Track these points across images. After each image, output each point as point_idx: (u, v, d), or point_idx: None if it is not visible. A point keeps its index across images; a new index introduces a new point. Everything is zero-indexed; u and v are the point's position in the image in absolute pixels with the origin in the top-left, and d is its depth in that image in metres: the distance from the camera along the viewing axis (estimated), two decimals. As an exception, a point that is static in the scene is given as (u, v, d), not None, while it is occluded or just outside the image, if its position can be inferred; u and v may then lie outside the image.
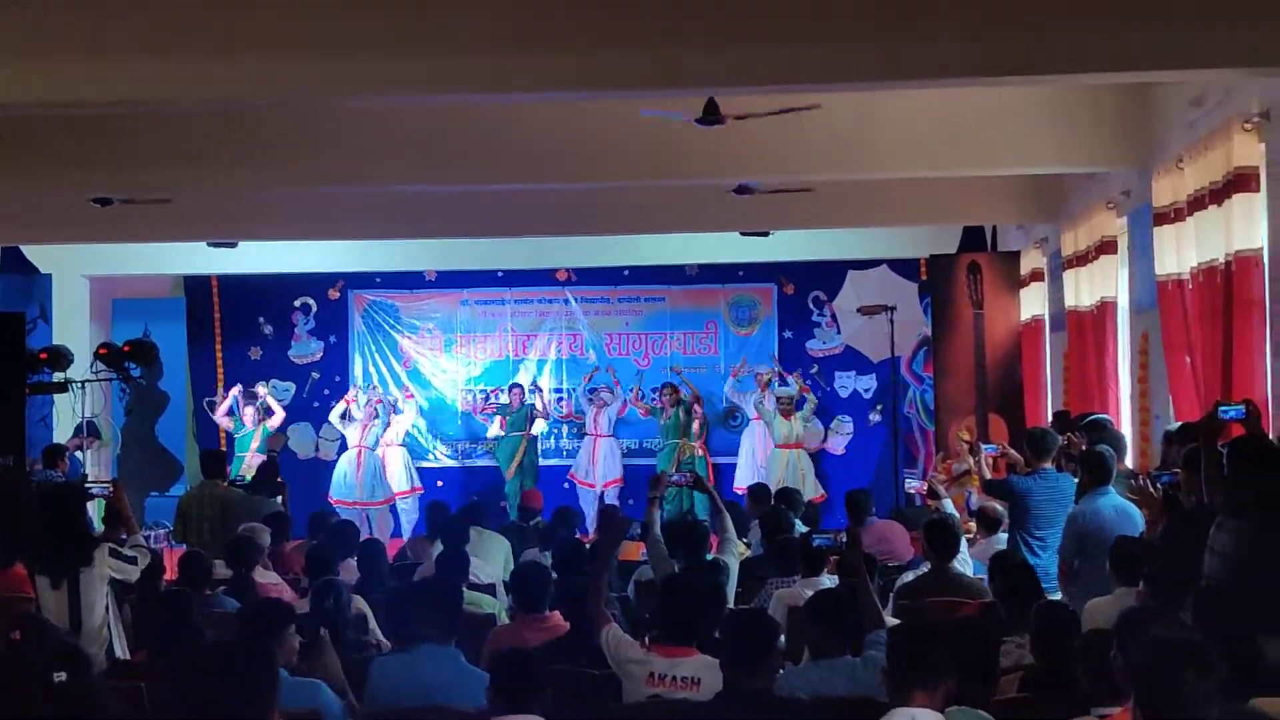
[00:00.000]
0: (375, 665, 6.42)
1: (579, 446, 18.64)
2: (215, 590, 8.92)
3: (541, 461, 18.32)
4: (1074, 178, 13.08)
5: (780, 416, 17.38)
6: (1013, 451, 10.97)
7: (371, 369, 19.18)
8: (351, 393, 18.18)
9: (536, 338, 19.23)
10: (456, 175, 12.08)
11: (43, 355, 14.48)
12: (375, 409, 17.82)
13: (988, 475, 10.20)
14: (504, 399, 18.47)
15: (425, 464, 19.00)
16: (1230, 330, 8.75)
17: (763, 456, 17.58)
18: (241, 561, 9.20)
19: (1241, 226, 8.66)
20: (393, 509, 17.88)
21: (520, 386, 18.39)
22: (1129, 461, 10.71)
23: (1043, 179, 13.56)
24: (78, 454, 15.09)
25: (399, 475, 17.97)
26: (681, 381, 18.14)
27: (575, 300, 19.20)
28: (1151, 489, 8.19)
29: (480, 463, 19.05)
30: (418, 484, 18.22)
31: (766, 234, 15.75)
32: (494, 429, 18.53)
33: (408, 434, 18.53)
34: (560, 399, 19.06)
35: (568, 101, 11.03)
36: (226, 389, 18.71)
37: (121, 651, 7.62)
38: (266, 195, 14.00)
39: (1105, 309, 12.03)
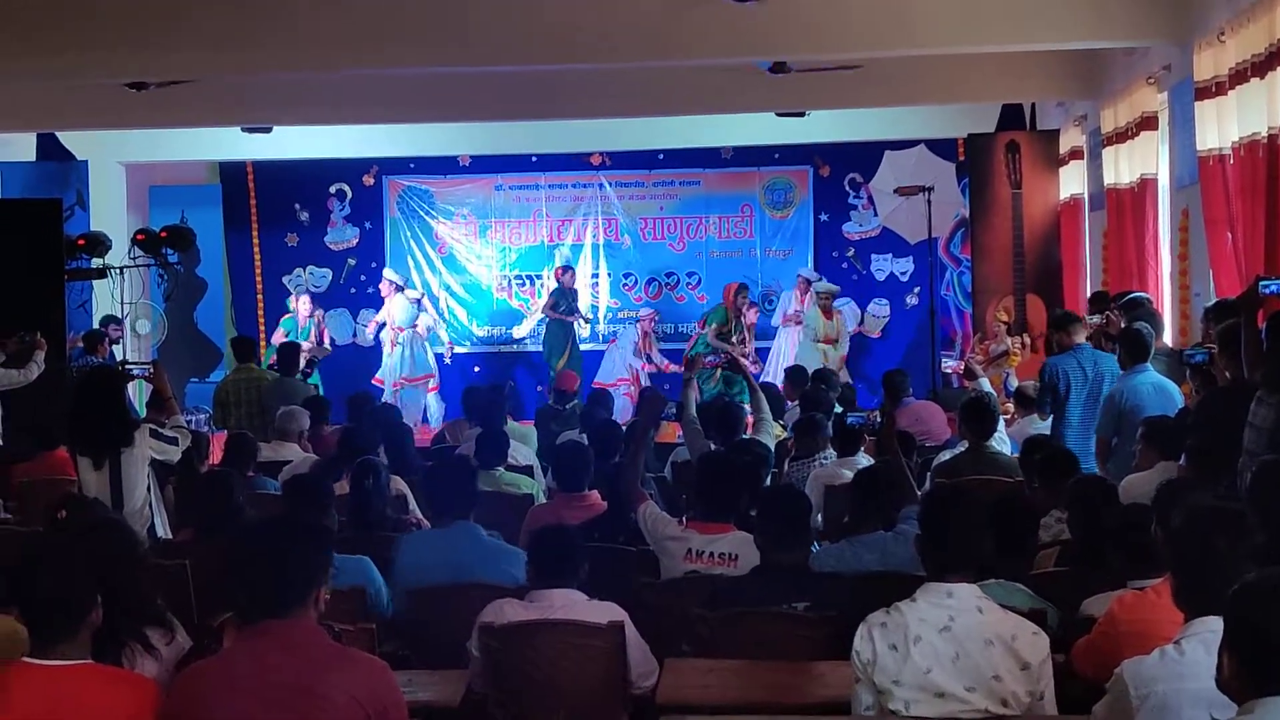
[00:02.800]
0: (398, 544, 6.48)
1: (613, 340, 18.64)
2: (260, 473, 9.02)
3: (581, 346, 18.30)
4: (1113, 53, 12.89)
5: (822, 315, 17.22)
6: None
7: (407, 255, 19.16)
8: (385, 288, 18.14)
9: (571, 222, 19.15)
10: (489, 56, 11.98)
11: (80, 241, 14.58)
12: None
13: None
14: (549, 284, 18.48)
15: (460, 349, 19.05)
16: (1273, 205, 8.65)
17: (793, 354, 17.45)
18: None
19: (1285, 99, 8.53)
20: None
21: (571, 269, 18.33)
22: (1168, 339, 10.67)
23: (1082, 55, 13.36)
24: (114, 347, 15.17)
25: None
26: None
27: (610, 184, 19.10)
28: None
29: (514, 348, 19.08)
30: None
31: (802, 114, 15.58)
32: (533, 317, 18.61)
33: (442, 321, 18.67)
34: (596, 284, 19.02)
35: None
36: (265, 277, 18.80)
37: (163, 531, 7.73)
38: (300, 79, 13.95)
39: (1145, 186, 11.91)
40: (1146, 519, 5.05)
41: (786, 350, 17.58)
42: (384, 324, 18.01)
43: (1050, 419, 9.61)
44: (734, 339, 16.69)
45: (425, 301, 18.49)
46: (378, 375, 17.82)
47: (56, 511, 5.60)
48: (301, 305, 17.66)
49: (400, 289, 18.05)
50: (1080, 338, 9.50)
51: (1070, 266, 14.65)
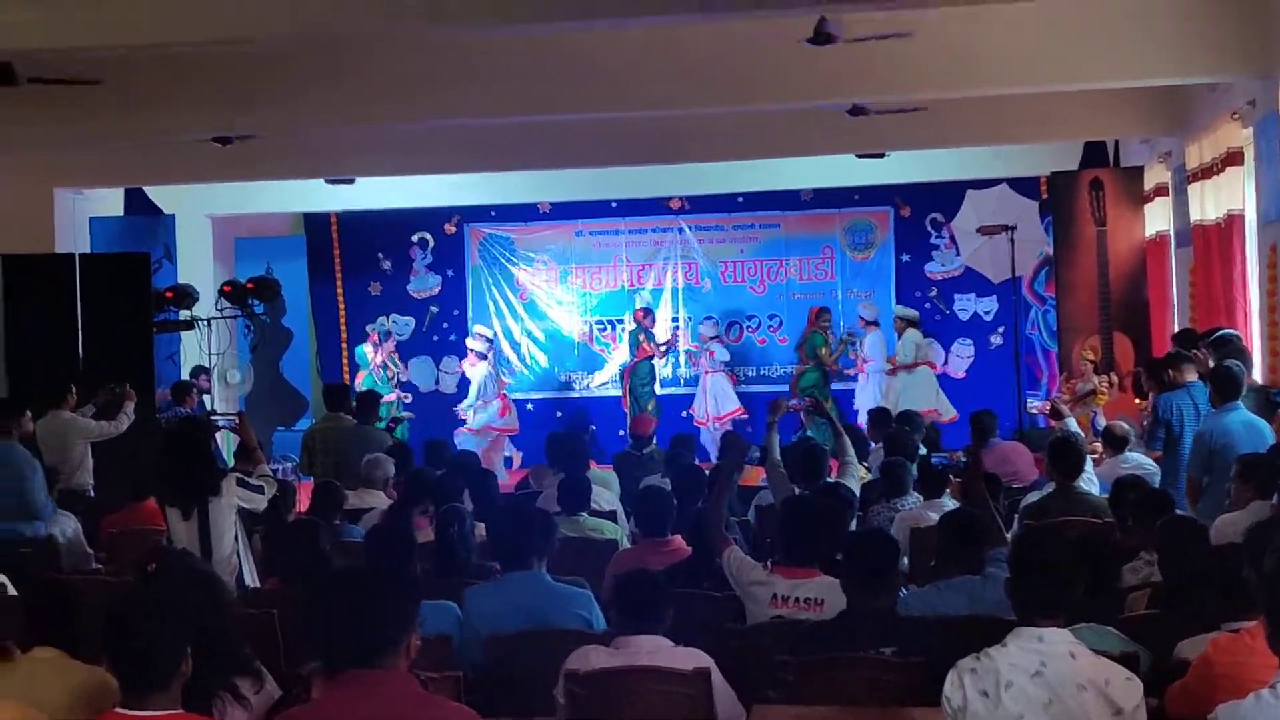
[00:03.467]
0: (469, 594, 6.48)
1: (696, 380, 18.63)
2: (346, 521, 9.08)
3: (659, 390, 18.32)
4: (1197, 88, 12.79)
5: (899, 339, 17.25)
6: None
7: (488, 301, 19.29)
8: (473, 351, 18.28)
9: (652, 267, 19.19)
10: (567, 104, 12.08)
11: (168, 294, 14.80)
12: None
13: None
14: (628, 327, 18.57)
15: (542, 395, 19.12)
16: (1362, 240, 8.53)
17: (883, 390, 17.41)
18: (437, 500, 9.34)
19: (1373, 132, 8.42)
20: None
21: (652, 312, 18.38)
22: (1257, 376, 10.53)
23: (1164, 91, 13.26)
24: (204, 397, 15.37)
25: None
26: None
27: (690, 229, 19.12)
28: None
29: (598, 393, 19.12)
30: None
31: (882, 155, 15.56)
32: (611, 364, 18.70)
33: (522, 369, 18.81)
34: (676, 328, 19.05)
35: (678, 26, 10.98)
36: (349, 326, 18.98)
37: (251, 580, 7.77)
38: (382, 130, 14.10)
39: (1232, 222, 11.77)
40: (1239, 559, 4.96)
41: (873, 389, 17.50)
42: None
43: (1142, 455, 9.52)
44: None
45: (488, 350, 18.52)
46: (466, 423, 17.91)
47: (146, 563, 5.64)
48: (377, 357, 17.83)
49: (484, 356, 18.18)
50: (1192, 375, 9.41)
51: (1157, 304, 14.51)
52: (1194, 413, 9.20)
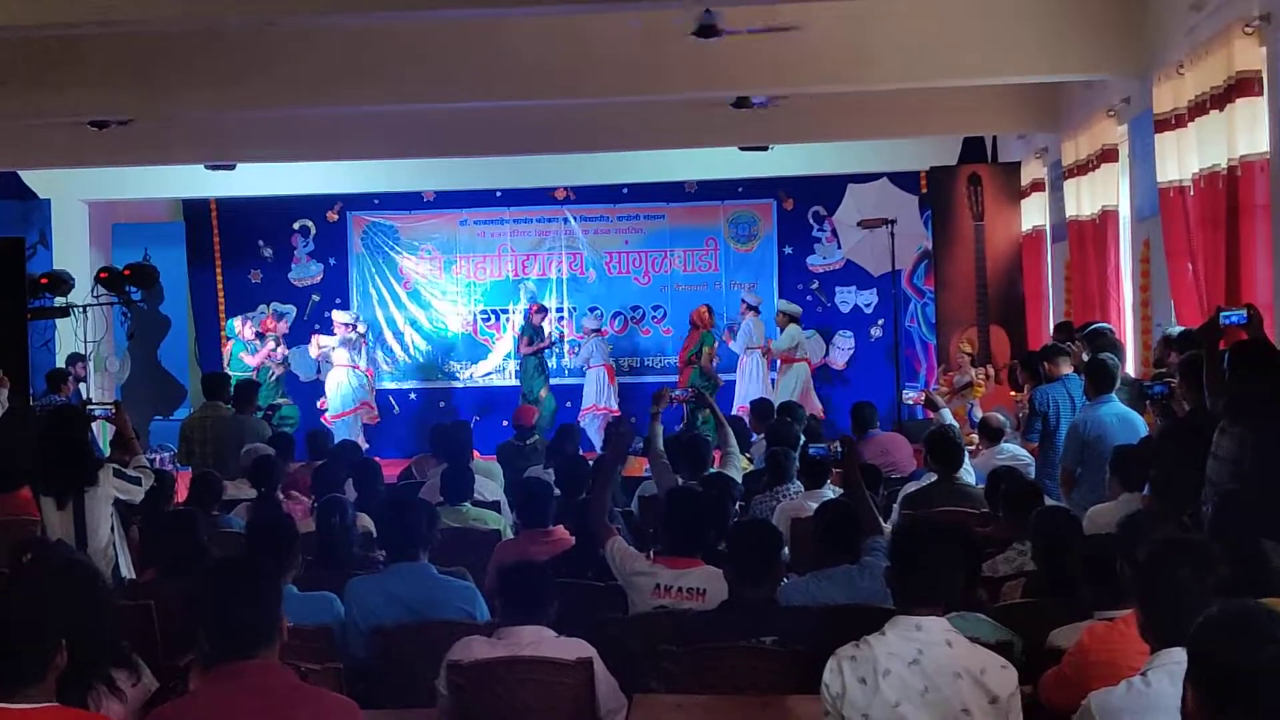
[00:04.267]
0: (351, 585, 6.44)
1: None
2: (225, 511, 8.99)
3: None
4: (1073, 86, 13.01)
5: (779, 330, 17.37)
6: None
7: (371, 290, 19.17)
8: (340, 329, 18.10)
9: (537, 257, 19.17)
10: (451, 93, 12.02)
11: (43, 280, 14.53)
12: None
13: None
14: (516, 319, 18.54)
15: (426, 385, 19.05)
16: (1234, 236, 8.72)
17: (759, 379, 17.50)
18: (265, 482, 9.28)
19: (1244, 132, 8.60)
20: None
21: (545, 309, 18.36)
22: (1130, 369, 10.74)
23: (1042, 88, 13.47)
24: (80, 385, 15.11)
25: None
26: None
27: (575, 219, 19.13)
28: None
29: (481, 383, 19.08)
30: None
31: (766, 149, 15.67)
32: (495, 354, 18.70)
33: (405, 358, 18.73)
34: (561, 319, 19.04)
35: (562, 16, 10.98)
36: (229, 313, 18.74)
37: (127, 571, 7.68)
38: (263, 116, 13.94)
39: (1107, 218, 11.99)
40: (1111, 550, 5.06)
41: (753, 377, 17.58)
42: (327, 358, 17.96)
43: (1015, 446, 9.68)
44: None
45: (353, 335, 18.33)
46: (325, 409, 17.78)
47: (20, 553, 5.56)
48: (247, 329, 17.64)
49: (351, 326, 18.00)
50: (1067, 368, 9.57)
51: (1033, 298, 14.74)
52: (1069, 405, 9.37)
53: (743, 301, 17.93)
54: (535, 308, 18.23)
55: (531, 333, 17.89)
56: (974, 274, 14.90)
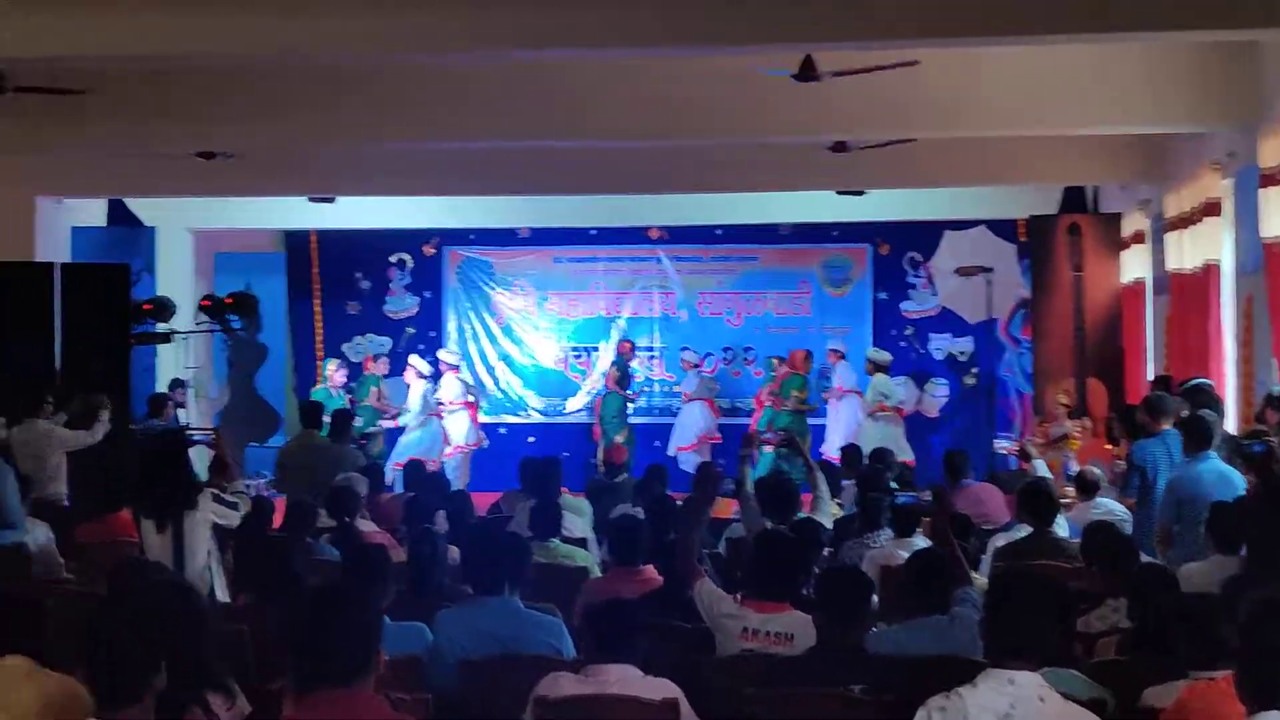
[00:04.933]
0: (441, 617, 6.48)
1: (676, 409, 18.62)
2: (318, 538, 9.06)
3: (632, 419, 18.30)
4: (1178, 138, 12.89)
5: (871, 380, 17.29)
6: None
7: (465, 325, 19.30)
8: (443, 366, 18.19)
9: (629, 296, 19.23)
10: (552, 131, 12.12)
11: (146, 306, 14.78)
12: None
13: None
14: (603, 359, 18.60)
15: (516, 419, 19.14)
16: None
17: (852, 425, 17.43)
18: (344, 510, 9.34)
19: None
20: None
21: (632, 342, 18.43)
22: (1230, 427, 10.59)
23: (1146, 139, 13.37)
24: (179, 411, 15.32)
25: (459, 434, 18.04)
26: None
27: (668, 259, 19.17)
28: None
29: (570, 419, 19.14)
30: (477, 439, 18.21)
31: (862, 193, 15.65)
32: (585, 391, 18.77)
33: (497, 393, 18.79)
34: (652, 357, 19.07)
35: (664, 57, 11.04)
36: (326, 344, 18.91)
37: (222, 595, 7.76)
38: (365, 151, 14.15)
39: (1209, 272, 11.85)
40: (1213, 609, 4.99)
41: (845, 423, 17.51)
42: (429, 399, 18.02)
43: (1109, 501, 9.57)
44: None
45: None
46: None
47: (121, 574, 5.64)
48: (337, 375, 17.71)
49: (455, 368, 18.12)
50: (1168, 424, 9.43)
51: (1132, 351, 14.59)
52: (1168, 460, 9.24)
53: (831, 350, 17.86)
54: (627, 345, 18.29)
55: (622, 369, 17.95)
56: (1072, 325, 14.78)
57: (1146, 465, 9.30)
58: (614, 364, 18.24)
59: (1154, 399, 9.85)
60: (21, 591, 5.60)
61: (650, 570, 7.65)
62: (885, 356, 17.49)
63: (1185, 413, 9.26)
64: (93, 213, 16.33)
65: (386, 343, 19.24)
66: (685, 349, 18.66)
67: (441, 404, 17.81)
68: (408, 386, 17.96)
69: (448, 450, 17.68)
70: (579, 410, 19.13)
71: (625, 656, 5.54)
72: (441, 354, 18.43)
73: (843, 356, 17.71)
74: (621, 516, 8.69)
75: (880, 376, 17.13)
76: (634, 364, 18.29)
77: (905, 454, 16.31)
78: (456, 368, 18.18)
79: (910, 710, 4.52)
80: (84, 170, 14.69)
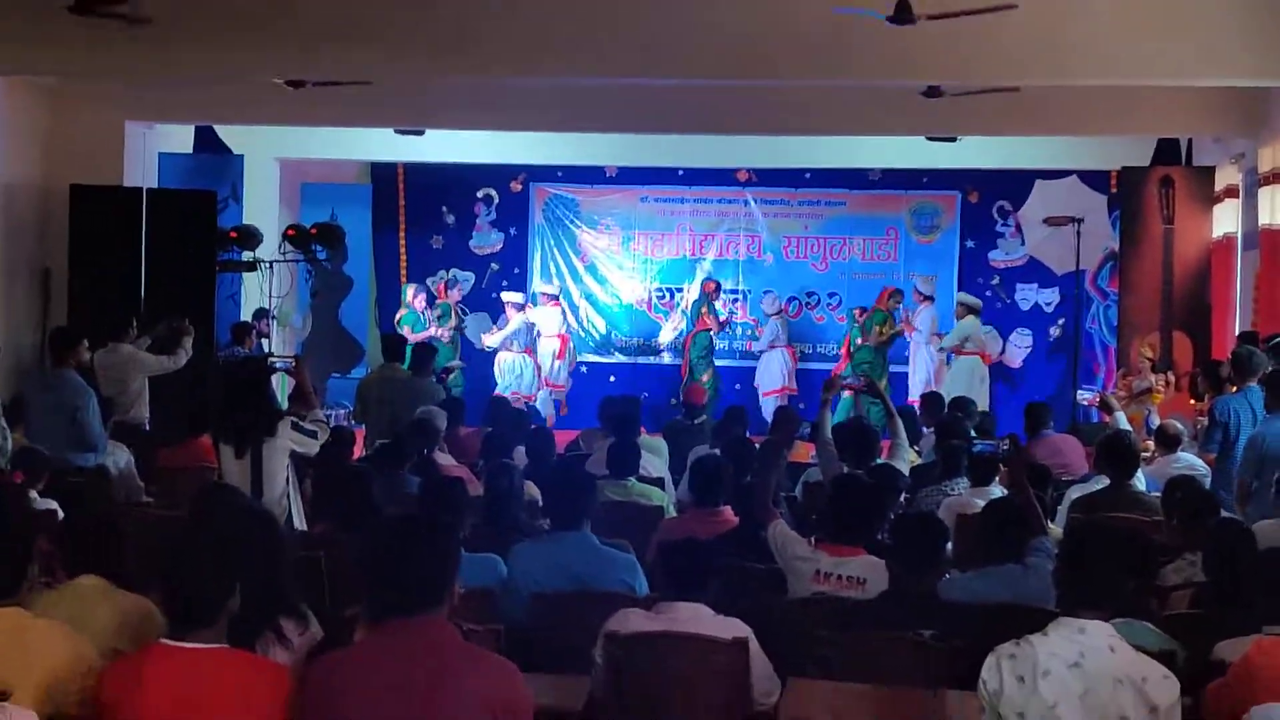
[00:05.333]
0: (516, 550, 6.53)
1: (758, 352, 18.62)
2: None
3: (718, 362, 18.33)
4: (1274, 92, 12.66)
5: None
6: None
7: (550, 262, 19.33)
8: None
9: (715, 237, 19.18)
10: (644, 67, 12.03)
11: (233, 234, 14.89)
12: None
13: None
14: (690, 297, 18.64)
15: (598, 359, 19.18)
16: None
17: (931, 369, 17.35)
18: (422, 443, 9.42)
19: None
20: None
21: (719, 284, 18.46)
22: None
23: (1242, 92, 13.13)
24: (262, 340, 15.46)
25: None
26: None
27: (755, 201, 19.09)
28: None
29: (651, 359, 19.16)
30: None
31: (954, 139, 15.49)
32: (668, 331, 18.77)
33: (581, 330, 18.87)
34: (736, 300, 19.04)
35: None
36: (410, 277, 18.99)
37: (300, 523, 7.85)
38: (454, 84, 14.13)
39: (1301, 228, 11.68)
40: (1288, 565, 4.95)
41: (925, 369, 17.43)
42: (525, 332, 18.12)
43: (1191, 455, 9.48)
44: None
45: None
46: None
47: (201, 498, 5.72)
48: (417, 300, 17.87)
49: (555, 299, 18.25)
50: (1253, 380, 9.31)
51: (1220, 306, 14.39)
52: (1251, 417, 9.14)
53: (916, 291, 17.75)
54: (711, 285, 18.28)
55: (708, 308, 17.97)
56: (1160, 278, 14.59)
57: (1229, 421, 9.21)
58: (695, 304, 18.23)
59: (1241, 354, 9.72)
60: (100, 513, 5.67)
61: (727, 511, 7.68)
62: (976, 301, 17.35)
63: (1270, 369, 9.14)
64: (181, 139, 16.44)
65: (470, 277, 19.31)
66: (767, 292, 18.60)
67: (540, 335, 17.94)
68: (507, 321, 18.10)
69: (537, 385, 17.81)
70: (662, 351, 19.12)
71: (697, 595, 5.58)
72: (541, 285, 18.52)
73: (930, 299, 17.59)
74: (705, 456, 8.69)
75: (970, 319, 17.00)
76: (718, 304, 18.25)
77: (982, 399, 16.22)
78: (556, 298, 18.30)
79: (980, 657, 4.52)
80: (173, 96, 14.75)
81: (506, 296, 18.32)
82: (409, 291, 18.25)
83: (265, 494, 7.55)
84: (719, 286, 18.43)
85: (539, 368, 17.96)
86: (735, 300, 19.03)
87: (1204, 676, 4.98)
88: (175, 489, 9.08)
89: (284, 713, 3.94)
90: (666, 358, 18.99)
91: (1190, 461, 9.72)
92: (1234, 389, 9.53)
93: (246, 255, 15.22)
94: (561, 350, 18.18)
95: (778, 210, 19.12)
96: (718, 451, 9.50)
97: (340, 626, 4.86)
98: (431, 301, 18.21)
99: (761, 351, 18.45)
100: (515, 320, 18.01)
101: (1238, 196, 14.23)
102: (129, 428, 11.28)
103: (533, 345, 18.07)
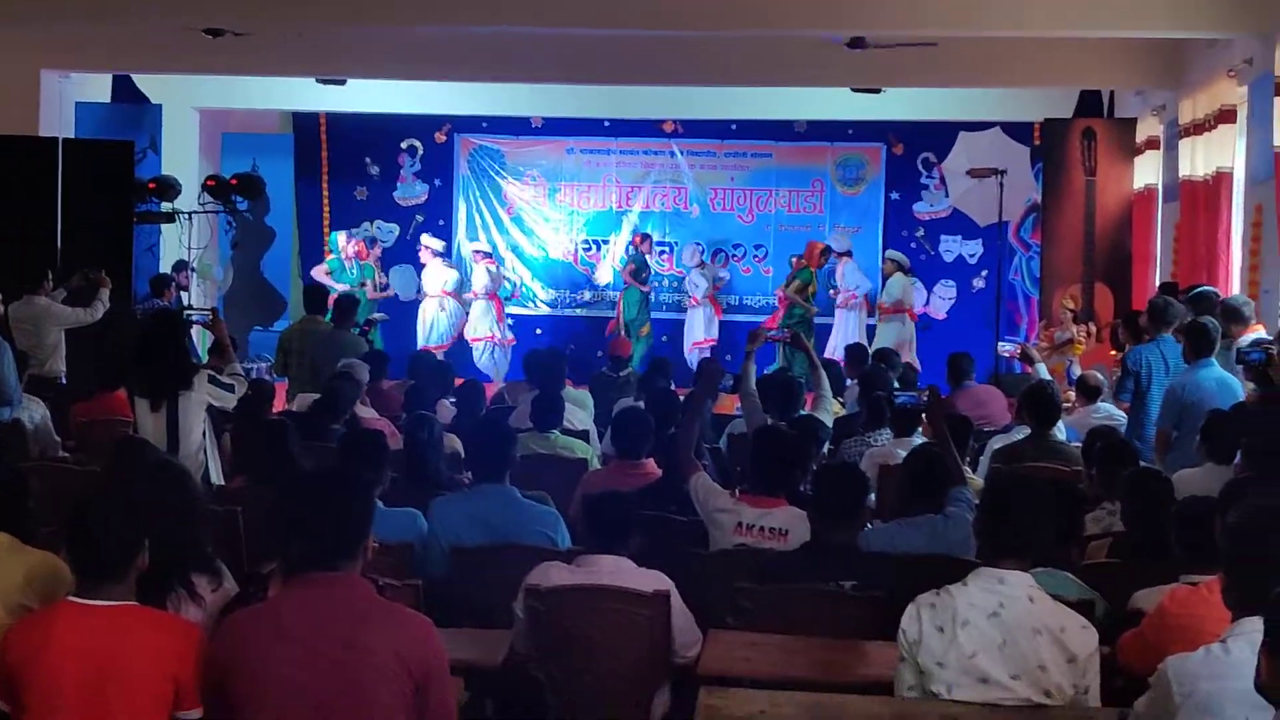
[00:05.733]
0: (435, 504, 6.49)
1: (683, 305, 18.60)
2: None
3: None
4: (1195, 44, 12.73)
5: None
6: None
7: (475, 214, 19.20)
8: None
9: (641, 189, 19.11)
10: (567, 18, 11.97)
11: (151, 185, 14.69)
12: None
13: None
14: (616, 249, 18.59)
15: (524, 310, 19.09)
16: (1350, 205, 8.52)
17: (856, 329, 17.45)
18: (343, 396, 9.32)
19: (1369, 98, 8.39)
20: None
21: (649, 236, 18.41)
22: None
23: (1163, 44, 13.21)
24: (182, 293, 15.27)
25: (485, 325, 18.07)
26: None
27: (681, 153, 19.03)
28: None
29: (578, 312, 19.10)
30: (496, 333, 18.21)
31: (878, 91, 15.49)
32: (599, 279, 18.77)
33: (507, 281, 18.73)
34: (663, 253, 18.99)
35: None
36: (333, 229, 18.81)
37: (217, 477, 7.76)
38: (376, 33, 13.97)
39: (1220, 180, 11.75)
40: (1207, 513, 4.97)
41: (850, 330, 17.49)
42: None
43: (1111, 406, 9.54)
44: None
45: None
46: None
47: (113, 453, 5.63)
48: (349, 247, 17.71)
49: (488, 256, 18.18)
50: (1167, 330, 9.37)
51: (1140, 257, 14.51)
52: (1163, 366, 9.19)
53: (830, 248, 17.77)
54: (639, 238, 18.23)
55: (639, 263, 17.92)
56: (1082, 230, 14.68)
57: (1141, 371, 9.26)
58: (630, 257, 18.19)
59: (1157, 304, 9.77)
60: (9, 468, 5.56)
61: (652, 464, 7.65)
62: (904, 258, 17.43)
63: (1189, 320, 9.20)
64: (98, 88, 16.18)
65: (394, 230, 19.16)
66: (697, 244, 18.59)
67: (474, 294, 17.84)
68: (423, 266, 17.96)
69: (473, 338, 17.69)
70: (588, 303, 19.06)
71: (619, 548, 5.55)
72: (475, 245, 18.41)
73: (847, 255, 17.64)
74: (628, 409, 8.65)
75: (898, 276, 17.07)
76: (649, 258, 18.22)
77: (913, 356, 16.28)
78: (490, 256, 18.19)
79: (900, 607, 4.54)
80: (90, 44, 14.51)
81: (426, 241, 18.15)
82: (340, 239, 18.02)
83: (181, 448, 7.44)
84: (647, 237, 18.36)
85: (465, 322, 17.82)
86: (662, 253, 18.98)
87: (1122, 626, 5.01)
88: (92, 443, 8.95)
89: (195, 670, 3.89)
90: (596, 311, 18.89)
91: (1110, 411, 9.80)
92: (1149, 339, 9.59)
93: (165, 206, 15.02)
94: (498, 310, 18.07)
95: (704, 162, 19.08)
96: (641, 404, 9.48)
97: (256, 583, 4.80)
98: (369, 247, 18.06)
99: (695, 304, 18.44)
100: (432, 271, 17.85)
101: (1159, 148, 14.33)
102: (45, 381, 11.12)
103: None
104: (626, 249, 18.40)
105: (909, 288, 17.22)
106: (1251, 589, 3.82)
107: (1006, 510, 4.55)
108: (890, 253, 17.67)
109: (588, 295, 19.09)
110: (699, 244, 18.59)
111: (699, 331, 18.15)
